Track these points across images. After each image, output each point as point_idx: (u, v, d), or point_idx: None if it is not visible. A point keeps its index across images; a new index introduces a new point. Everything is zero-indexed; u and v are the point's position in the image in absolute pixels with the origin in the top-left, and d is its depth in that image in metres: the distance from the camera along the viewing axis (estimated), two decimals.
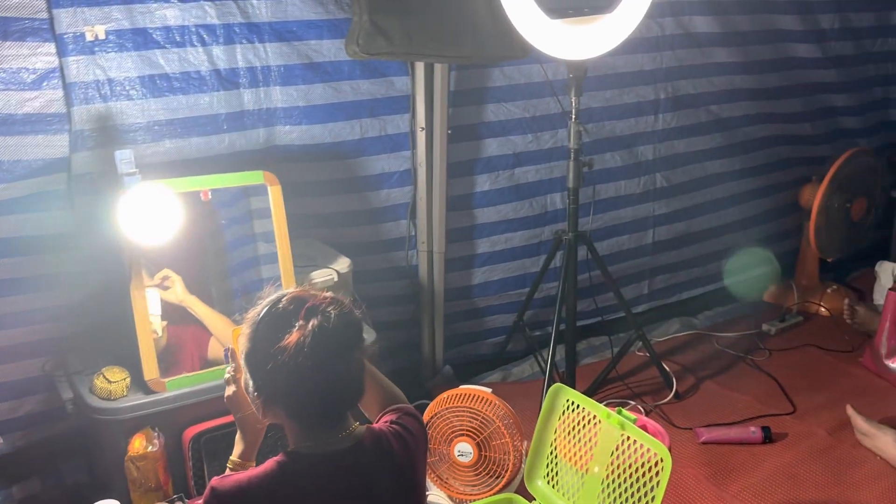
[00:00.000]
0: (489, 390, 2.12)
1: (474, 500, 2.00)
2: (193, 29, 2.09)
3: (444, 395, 2.12)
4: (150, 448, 1.82)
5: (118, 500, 1.73)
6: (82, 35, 1.94)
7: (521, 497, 1.87)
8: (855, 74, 3.51)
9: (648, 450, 1.61)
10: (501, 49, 2.36)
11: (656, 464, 1.58)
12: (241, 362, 1.29)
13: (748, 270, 3.56)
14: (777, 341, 3.13)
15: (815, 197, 3.15)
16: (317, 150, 2.32)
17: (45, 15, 1.87)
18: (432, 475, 2.13)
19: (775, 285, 3.56)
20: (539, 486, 1.84)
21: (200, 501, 1.25)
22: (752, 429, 2.43)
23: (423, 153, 2.45)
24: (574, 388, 2.62)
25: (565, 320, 2.58)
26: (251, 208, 2.13)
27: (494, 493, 2.01)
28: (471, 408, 2.05)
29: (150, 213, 1.85)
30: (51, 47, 1.89)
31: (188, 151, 2.13)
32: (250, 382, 1.27)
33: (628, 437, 1.66)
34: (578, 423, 1.78)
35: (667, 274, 3.22)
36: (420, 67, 2.37)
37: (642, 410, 2.61)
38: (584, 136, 2.48)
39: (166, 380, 1.89)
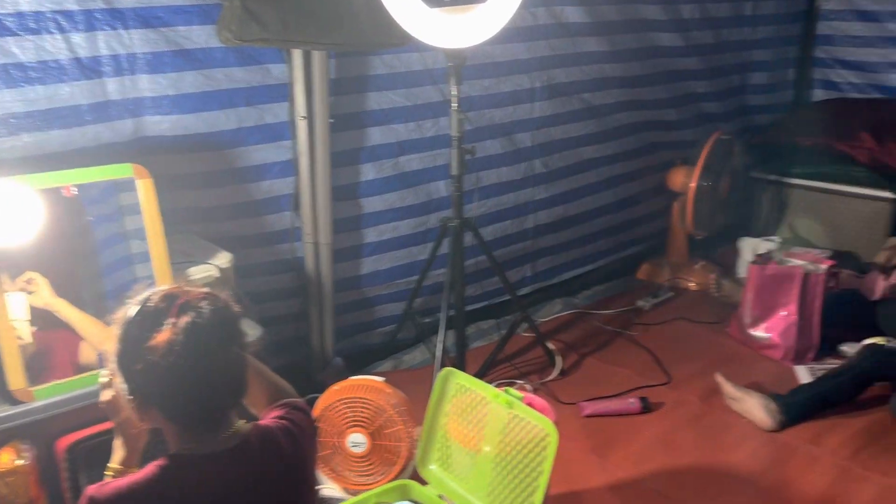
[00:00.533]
0: (381, 379, 2.12)
1: (369, 490, 1.99)
2: (50, 15, 1.95)
3: (335, 386, 2.10)
4: (19, 462, 1.70)
5: None
6: None
7: (415, 482, 1.88)
8: (714, 62, 3.75)
9: (535, 426, 1.67)
10: (380, 37, 2.35)
11: (543, 438, 1.64)
12: (114, 365, 1.23)
13: (623, 250, 3.74)
14: (651, 316, 3.31)
15: (693, 179, 3.36)
16: (190, 140, 2.23)
17: None
18: (325, 468, 2.11)
19: (648, 263, 3.76)
20: (431, 469, 1.87)
21: None
22: (632, 400, 2.57)
23: (304, 143, 2.41)
24: (465, 371, 2.68)
25: (454, 306, 2.62)
26: (121, 204, 2.02)
27: (389, 481, 2.02)
28: (362, 398, 2.05)
29: (8, 212, 1.72)
30: None
31: (49, 145, 2.00)
32: (124, 385, 1.21)
33: (516, 416, 1.71)
34: (468, 406, 1.82)
35: (548, 256, 3.33)
36: (297, 55, 2.32)
37: (530, 389, 2.69)
38: (465, 124, 2.51)
39: (34, 388, 1.77)
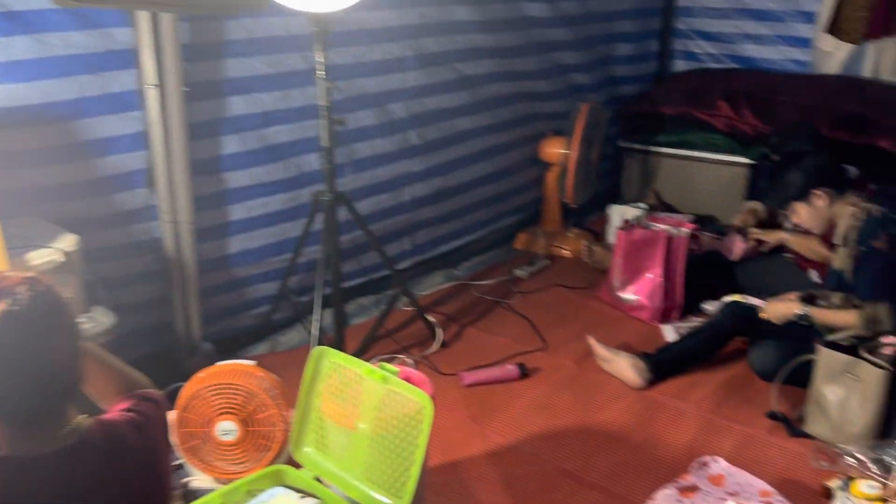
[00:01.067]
0: (251, 363, 2.02)
1: (243, 477, 1.90)
2: None
3: (201, 373, 1.97)
4: None
5: None
6: None
7: (289, 467, 1.81)
8: (582, 33, 3.81)
9: (411, 399, 1.63)
10: None
11: (419, 411, 1.61)
12: None
13: (501, 220, 3.78)
14: (528, 284, 3.37)
15: (573, 149, 3.41)
16: (23, 113, 2.01)
17: None
18: (194, 459, 2.00)
19: (525, 233, 3.82)
20: (306, 452, 1.80)
21: None
22: (510, 367, 2.59)
23: (156, 113, 2.23)
24: (344, 349, 2.61)
25: (330, 283, 2.55)
26: None
27: (264, 467, 1.93)
28: (230, 383, 1.93)
29: None
30: None
31: None
32: None
33: (391, 390, 1.67)
34: (343, 384, 1.76)
35: (427, 229, 3.30)
36: (143, 17, 2.13)
37: (411, 362, 2.67)
38: (334, 94, 2.42)
39: None
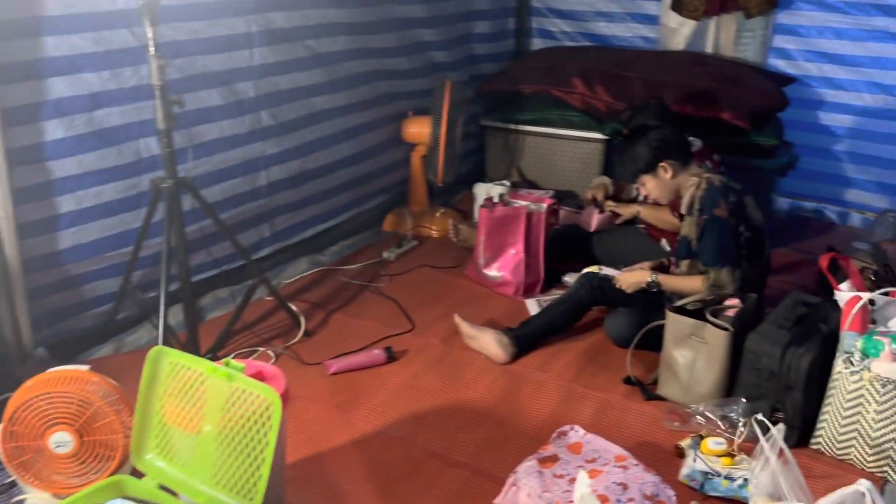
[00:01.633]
0: (86, 368, 1.86)
1: (79, 492, 1.74)
2: None
3: (30, 382, 1.80)
4: None
5: None
6: None
7: (130, 477, 1.68)
8: (440, 10, 3.77)
9: (259, 396, 1.54)
10: None
11: (267, 408, 1.53)
12: None
13: (367, 202, 3.70)
14: (396, 266, 3.32)
15: (441, 127, 3.37)
16: None
17: None
18: (27, 475, 1.82)
19: (392, 214, 3.76)
20: (147, 460, 1.67)
21: None
22: (377, 351, 2.54)
23: None
24: (198, 346, 2.47)
25: (178, 277, 2.39)
26: None
27: (106, 477, 1.78)
28: (62, 392, 1.77)
29: None
30: None
31: None
32: None
33: (237, 388, 1.57)
34: (185, 385, 1.64)
35: (287, 214, 3.18)
36: None
37: (272, 355, 2.56)
38: (172, 72, 2.24)
39: None
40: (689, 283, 2.45)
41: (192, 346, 2.46)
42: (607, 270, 2.84)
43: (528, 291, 3.03)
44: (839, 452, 1.99)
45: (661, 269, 2.67)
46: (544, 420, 2.23)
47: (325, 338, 2.72)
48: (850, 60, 3.69)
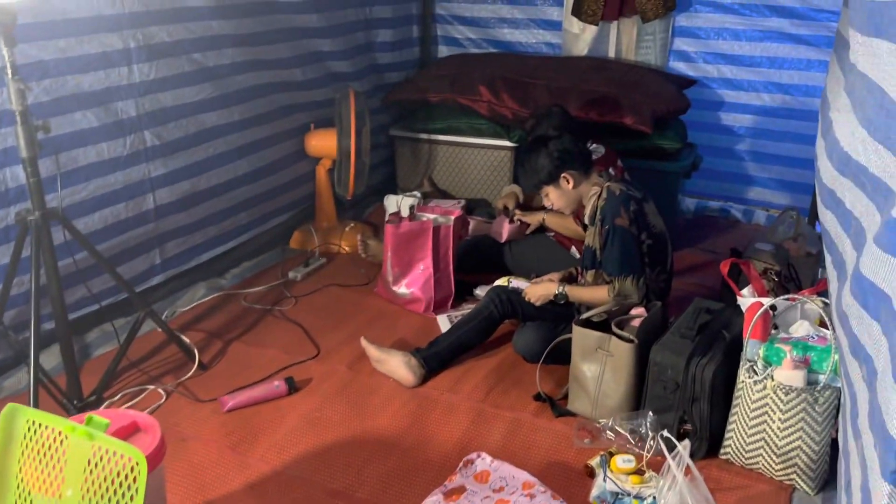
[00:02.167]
0: None
1: None
2: None
3: None
4: None
5: None
6: None
7: None
8: (337, 19, 3.65)
9: (124, 455, 1.39)
10: None
11: (133, 468, 1.38)
12: None
13: (270, 220, 3.55)
14: (303, 287, 3.18)
15: (349, 140, 3.25)
16: None
17: None
18: None
19: (299, 231, 3.62)
20: None
21: None
22: (277, 383, 2.40)
23: None
24: (80, 389, 2.27)
25: (51, 316, 2.19)
26: None
27: None
28: None
29: None
30: None
31: None
32: None
33: (100, 447, 1.42)
34: (45, 445, 1.47)
35: (179, 238, 2.99)
36: None
37: (163, 393, 2.39)
38: (36, 94, 2.05)
39: None
40: (595, 294, 2.41)
41: (72, 390, 2.27)
42: (517, 283, 2.79)
43: (439, 307, 2.95)
44: (748, 462, 1.97)
45: (570, 279, 2.63)
46: (453, 446, 2.14)
47: (222, 370, 2.56)
48: (747, 61, 3.76)
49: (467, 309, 2.93)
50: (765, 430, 1.90)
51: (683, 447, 1.70)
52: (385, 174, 4.18)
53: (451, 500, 1.76)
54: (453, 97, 3.82)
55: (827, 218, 1.59)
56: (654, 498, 1.80)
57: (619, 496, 1.85)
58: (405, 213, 3.60)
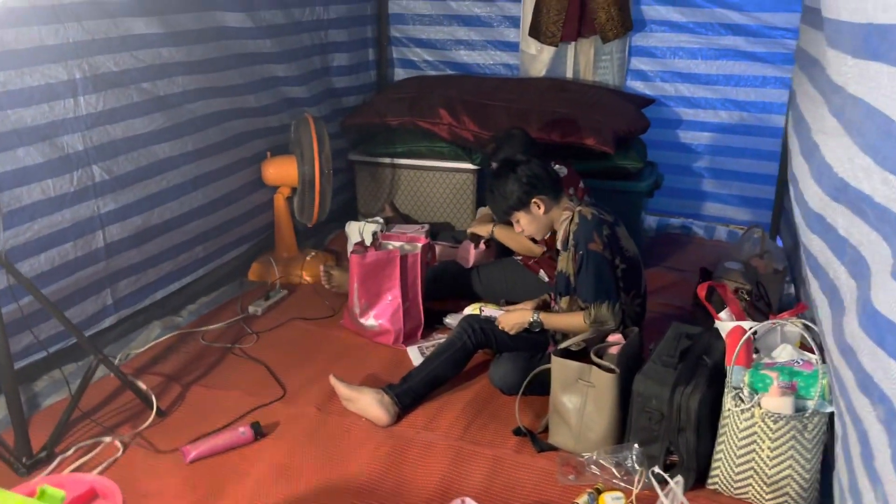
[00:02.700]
0: None
1: None
2: None
3: None
4: None
5: None
6: None
7: None
8: (291, 44, 3.55)
9: None
10: None
11: None
12: None
13: (227, 253, 3.41)
14: (264, 321, 3.06)
15: (313, 165, 3.17)
16: None
17: None
18: None
19: (257, 263, 3.49)
20: None
21: None
22: (242, 429, 2.27)
23: None
24: (29, 445, 2.11)
25: None
26: None
27: None
28: None
29: None
30: None
31: None
32: None
33: None
34: None
35: (133, 276, 2.83)
36: None
37: (120, 445, 2.23)
38: None
39: None
40: (570, 321, 2.36)
41: (21, 447, 2.11)
42: (489, 311, 2.72)
43: (409, 338, 2.85)
44: (737, 491, 1.93)
45: (544, 306, 2.57)
46: (434, 490, 2.04)
47: (182, 417, 2.41)
48: (704, 79, 3.79)
49: (438, 339, 2.85)
50: (754, 458, 1.86)
51: (676, 483, 1.64)
52: (344, 200, 4.08)
53: None
54: (413, 120, 3.75)
55: (813, 242, 1.55)
56: None
57: None
58: (368, 240, 3.50)
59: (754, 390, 1.86)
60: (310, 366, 2.70)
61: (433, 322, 2.95)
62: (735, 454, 1.88)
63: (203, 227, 3.16)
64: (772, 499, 1.86)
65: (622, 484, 1.97)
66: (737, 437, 1.87)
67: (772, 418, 1.79)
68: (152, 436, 2.29)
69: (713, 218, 4.00)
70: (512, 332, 2.46)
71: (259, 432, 2.27)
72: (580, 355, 2.22)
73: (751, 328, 1.97)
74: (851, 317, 1.14)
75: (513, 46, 4.10)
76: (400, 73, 4.37)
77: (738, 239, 3.83)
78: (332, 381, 2.44)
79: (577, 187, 3.05)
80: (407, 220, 3.88)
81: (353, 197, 4.05)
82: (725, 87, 3.77)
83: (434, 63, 4.31)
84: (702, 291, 2.16)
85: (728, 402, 1.89)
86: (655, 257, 3.65)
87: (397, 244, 2.97)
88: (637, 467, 1.95)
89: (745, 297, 2.67)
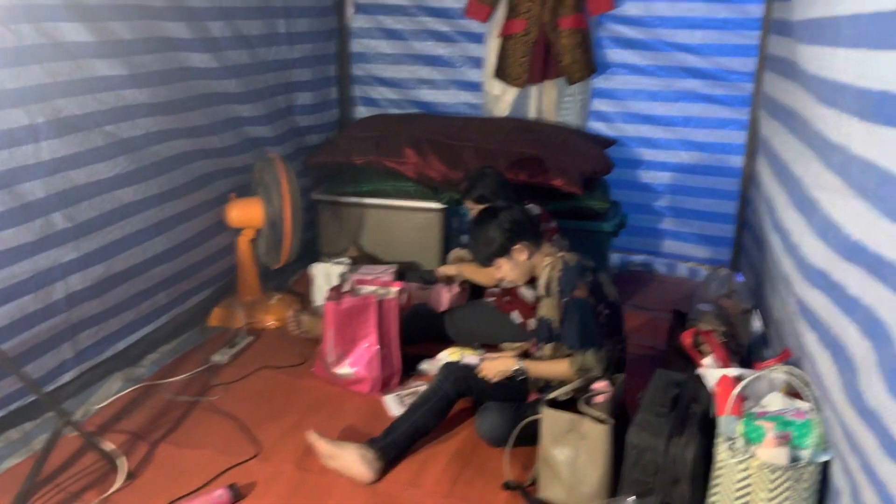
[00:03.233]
0: None
1: None
2: None
3: None
4: None
5: None
6: None
7: None
8: (255, 84, 3.49)
9: None
10: None
11: None
12: None
13: (189, 299, 3.28)
14: (231, 371, 2.94)
15: (283, 205, 3.10)
16: None
17: None
18: None
19: (220, 307, 3.37)
20: None
21: None
22: (219, 492, 2.16)
23: None
24: None
25: None
26: None
27: None
28: None
29: None
30: None
31: None
32: None
33: None
34: None
35: (94, 328, 2.70)
36: None
37: None
38: None
39: None
40: (555, 368, 2.34)
41: None
42: (468, 358, 2.68)
43: (385, 386, 2.78)
44: None
45: (524, 353, 2.55)
46: None
47: (152, 479, 2.28)
48: (664, 120, 3.88)
49: (415, 386, 2.79)
50: None
51: None
52: (306, 240, 3.98)
53: None
54: (379, 159, 3.72)
55: (812, 296, 1.58)
56: None
57: None
58: (335, 280, 3.44)
59: (748, 440, 1.86)
60: (283, 419, 2.60)
61: (408, 368, 2.89)
62: None
63: (166, 272, 3.04)
64: None
65: None
66: (732, 489, 1.87)
67: (769, 469, 1.79)
68: (122, 500, 2.16)
69: (674, 255, 4.07)
70: (495, 380, 2.43)
71: (237, 495, 2.17)
72: (567, 404, 2.19)
73: (739, 375, 1.98)
74: (874, 380, 1.15)
75: (476, 86, 4.13)
76: (362, 111, 4.33)
77: (698, 276, 3.92)
78: (311, 437, 2.35)
79: (549, 227, 3.06)
80: (372, 260, 3.82)
81: (316, 236, 3.98)
82: (685, 128, 3.86)
83: (397, 101, 4.29)
84: (687, 339, 2.17)
85: (722, 452, 1.89)
86: (621, 295, 3.64)
87: (371, 289, 2.91)
88: None
89: (721, 338, 2.70)
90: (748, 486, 1.84)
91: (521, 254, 2.40)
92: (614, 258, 4.10)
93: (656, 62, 3.80)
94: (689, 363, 2.50)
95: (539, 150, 3.54)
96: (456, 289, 3.10)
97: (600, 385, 2.26)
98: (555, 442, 2.13)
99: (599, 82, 3.93)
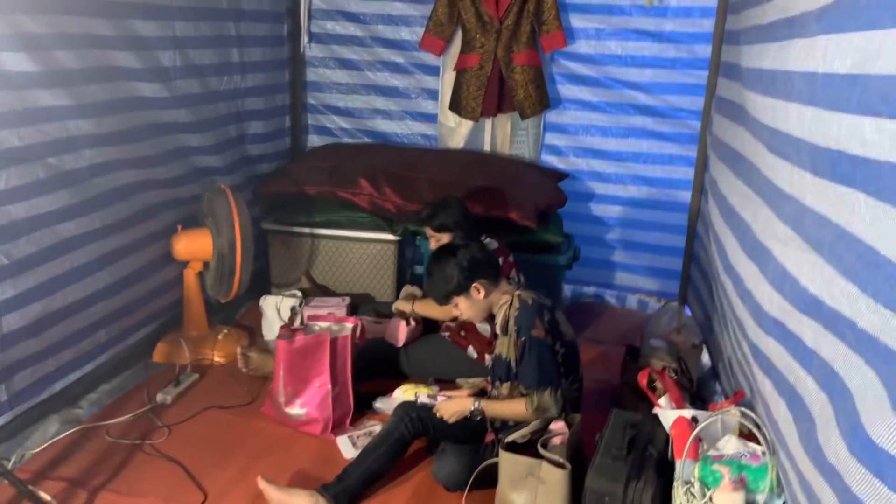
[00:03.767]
0: None
1: None
2: None
3: None
4: None
5: None
6: None
7: None
8: (206, 113, 3.41)
9: None
10: None
11: None
12: None
13: (132, 335, 3.16)
14: (176, 412, 2.83)
15: (234, 236, 3.03)
16: None
17: None
18: None
19: (163, 343, 3.25)
20: None
21: None
22: None
23: None
24: None
25: None
26: None
27: None
28: None
29: None
30: None
31: None
32: None
33: None
34: None
35: (30, 368, 2.56)
36: None
37: None
38: None
39: None
40: (512, 408, 2.32)
41: None
42: (423, 397, 2.63)
43: (338, 426, 2.71)
44: None
45: (481, 392, 2.52)
46: None
47: None
48: (614, 155, 3.94)
49: (368, 426, 2.74)
50: None
51: None
52: (256, 270, 3.89)
53: None
54: (332, 190, 3.68)
55: (768, 343, 1.60)
56: None
57: None
58: (285, 313, 3.36)
59: (705, 485, 1.87)
60: (231, 463, 2.51)
61: (361, 406, 2.84)
62: None
63: (108, 308, 2.92)
64: None
65: None
66: None
67: None
68: None
69: (624, 287, 4.12)
70: (451, 420, 2.39)
71: None
72: (525, 447, 2.17)
73: (694, 417, 1.99)
74: (835, 438, 1.16)
75: (431, 118, 4.13)
76: (315, 140, 4.29)
77: (648, 308, 3.97)
78: (261, 483, 2.27)
79: (507, 261, 3.06)
80: (325, 291, 3.76)
81: (266, 267, 3.89)
82: (634, 163, 3.93)
83: (350, 131, 4.26)
84: (643, 379, 2.18)
85: (679, 496, 1.90)
86: (573, 328, 3.67)
87: (324, 325, 2.85)
88: None
89: (673, 375, 2.72)
90: None
91: (478, 292, 2.39)
92: (566, 290, 4.12)
93: (607, 99, 3.86)
94: (643, 399, 2.52)
95: (494, 183, 3.55)
96: (412, 323, 3.06)
97: (557, 426, 2.26)
98: (513, 486, 2.11)
99: (552, 117, 3.97)
